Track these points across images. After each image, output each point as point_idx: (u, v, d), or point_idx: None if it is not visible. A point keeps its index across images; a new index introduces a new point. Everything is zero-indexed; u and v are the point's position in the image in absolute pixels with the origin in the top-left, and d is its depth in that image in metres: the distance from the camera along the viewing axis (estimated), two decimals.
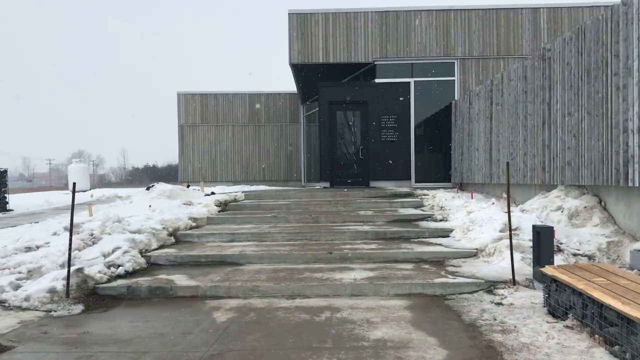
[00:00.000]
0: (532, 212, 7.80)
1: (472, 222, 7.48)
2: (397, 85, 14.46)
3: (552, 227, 5.28)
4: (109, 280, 5.79)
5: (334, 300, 5.14)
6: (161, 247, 7.37)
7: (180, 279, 5.81)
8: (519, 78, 9.49)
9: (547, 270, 4.39)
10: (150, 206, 9.08)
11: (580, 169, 7.13)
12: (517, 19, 14.18)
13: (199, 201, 10.28)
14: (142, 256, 6.69)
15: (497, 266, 5.91)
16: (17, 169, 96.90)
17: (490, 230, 6.79)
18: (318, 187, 15.31)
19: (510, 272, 5.40)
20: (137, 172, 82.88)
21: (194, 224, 8.63)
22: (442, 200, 9.80)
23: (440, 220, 8.43)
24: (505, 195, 11.17)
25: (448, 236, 7.54)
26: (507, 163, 5.83)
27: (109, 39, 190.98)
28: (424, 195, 10.78)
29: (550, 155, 8.20)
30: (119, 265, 6.16)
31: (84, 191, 22.22)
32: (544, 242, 5.17)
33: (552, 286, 4.32)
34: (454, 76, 14.42)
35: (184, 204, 9.85)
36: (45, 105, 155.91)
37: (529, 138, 9.02)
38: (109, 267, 6.06)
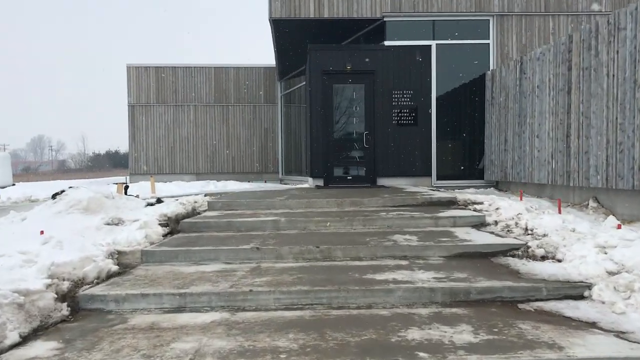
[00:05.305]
0: None
1: (630, 272, 4.04)
2: (413, 49, 10.89)
3: None
4: None
5: None
6: (33, 333, 3.66)
7: None
8: None
9: None
10: (42, 232, 5.32)
11: None
12: None
13: (134, 216, 6.55)
14: None
15: None
16: None
17: None
18: (307, 185, 11.70)
19: None
20: (98, 158, 77.41)
21: (115, 268, 4.91)
22: (513, 215, 6.35)
23: (544, 258, 4.96)
24: (594, 205, 7.79)
25: (584, 297, 4.10)
26: None
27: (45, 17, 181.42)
28: (476, 203, 7.32)
29: None
30: None
31: (3, 187, 17.89)
32: None
33: None
34: (489, 38, 10.94)
35: (107, 223, 6.13)
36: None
37: None
38: None
